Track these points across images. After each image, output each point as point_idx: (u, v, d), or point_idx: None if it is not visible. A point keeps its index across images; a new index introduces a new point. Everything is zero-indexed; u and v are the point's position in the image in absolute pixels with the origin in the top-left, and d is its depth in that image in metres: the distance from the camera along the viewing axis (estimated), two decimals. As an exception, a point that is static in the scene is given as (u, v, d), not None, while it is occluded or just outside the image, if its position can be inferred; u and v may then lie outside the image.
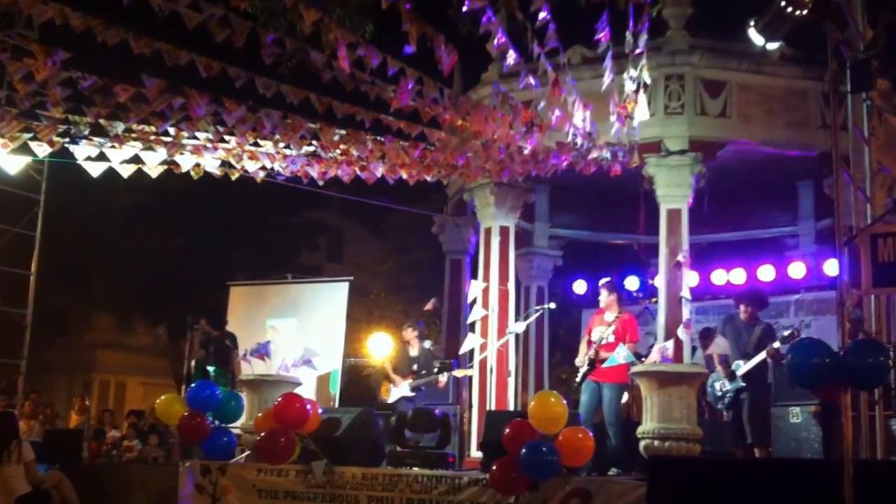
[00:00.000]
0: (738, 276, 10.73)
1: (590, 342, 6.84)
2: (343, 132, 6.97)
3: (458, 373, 8.40)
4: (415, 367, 8.20)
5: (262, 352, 9.09)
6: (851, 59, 5.89)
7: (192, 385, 7.37)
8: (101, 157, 7.10)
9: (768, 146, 8.56)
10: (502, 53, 6.09)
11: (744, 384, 6.91)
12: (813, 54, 7.57)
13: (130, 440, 9.26)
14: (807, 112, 8.47)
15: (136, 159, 7.24)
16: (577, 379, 6.84)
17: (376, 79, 5.96)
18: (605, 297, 6.94)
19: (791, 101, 8.49)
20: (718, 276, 10.91)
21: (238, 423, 7.31)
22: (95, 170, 7.22)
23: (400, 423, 7.75)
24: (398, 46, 5.45)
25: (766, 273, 10.47)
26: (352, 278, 10.47)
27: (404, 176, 7.81)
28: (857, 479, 4.28)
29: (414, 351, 8.28)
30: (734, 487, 4.72)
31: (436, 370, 8.29)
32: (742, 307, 7.11)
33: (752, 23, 6.49)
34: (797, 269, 10.23)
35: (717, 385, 7.07)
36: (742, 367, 6.92)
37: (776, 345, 6.77)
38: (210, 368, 8.70)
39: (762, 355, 6.80)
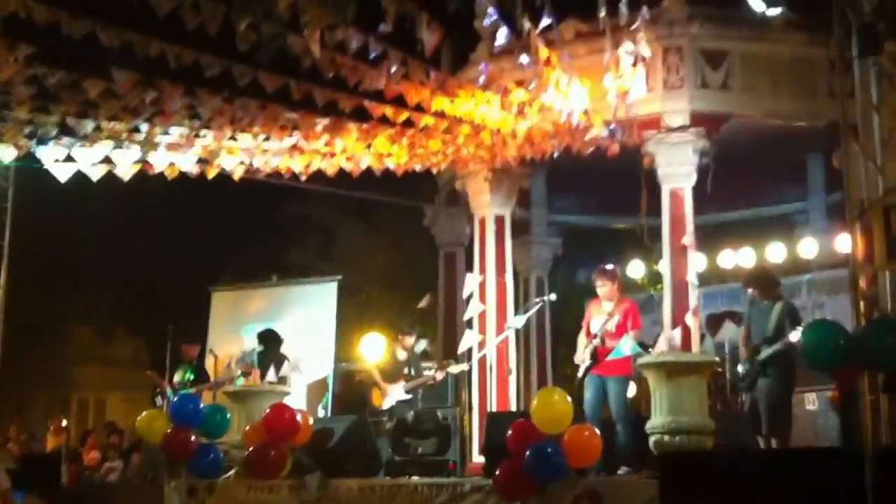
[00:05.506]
0: (747, 256, 10.73)
1: (590, 334, 6.83)
2: (326, 121, 6.95)
3: (454, 368, 8.41)
4: (405, 369, 8.22)
5: (247, 361, 9.04)
6: (858, 23, 5.88)
7: (175, 399, 7.35)
8: (70, 159, 7.07)
9: (774, 118, 8.55)
10: (492, 32, 6.07)
11: (762, 370, 6.89)
12: (818, 19, 7.55)
13: (112, 461, 9.23)
14: (814, 81, 8.45)
15: (106, 160, 7.20)
16: (580, 374, 6.84)
17: (359, 63, 5.94)
18: (602, 284, 6.93)
19: (797, 69, 8.47)
20: (726, 258, 10.90)
21: (225, 438, 7.29)
22: (64, 173, 7.18)
23: (399, 429, 7.76)
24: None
25: (777, 252, 10.47)
26: (341, 277, 10.44)
27: (392, 166, 7.79)
28: (878, 466, 4.29)
29: (402, 354, 8.29)
30: (750, 481, 4.74)
31: (426, 371, 8.30)
32: (751, 291, 7.11)
33: (752, -12, 6.48)
34: (809, 247, 10.22)
35: (740, 367, 7.08)
36: (762, 353, 6.88)
37: (793, 338, 6.69)
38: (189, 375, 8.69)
39: (779, 345, 6.73)
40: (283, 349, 9.22)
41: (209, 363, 9.29)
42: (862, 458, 4.36)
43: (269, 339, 9.04)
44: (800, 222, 10.67)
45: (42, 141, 6.88)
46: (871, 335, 4.62)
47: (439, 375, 8.15)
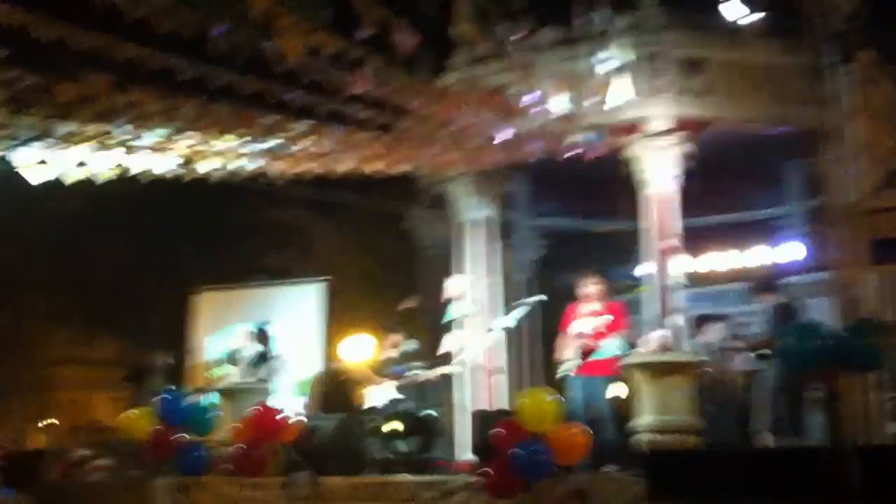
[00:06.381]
0: (729, 260, 10.84)
1: (571, 336, 6.87)
2: (305, 126, 6.94)
3: (447, 369, 8.42)
4: (395, 368, 8.23)
5: (234, 358, 9.01)
6: (833, 30, 5.95)
7: (162, 396, 7.31)
8: (43, 162, 7.00)
9: (753, 124, 8.64)
10: (471, 38, 6.11)
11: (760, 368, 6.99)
12: (794, 27, 7.63)
13: (97, 458, 9.16)
14: (791, 87, 8.51)
15: (81, 164, 7.14)
16: (561, 373, 6.88)
17: (337, 67, 5.93)
18: (594, 283, 6.98)
19: (774, 76, 8.54)
20: (708, 262, 11.00)
21: (213, 435, 7.25)
22: (37, 177, 7.11)
23: (387, 427, 7.76)
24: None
25: (759, 256, 10.57)
26: (329, 278, 10.42)
27: (373, 169, 7.79)
28: (862, 464, 4.34)
29: (391, 353, 8.30)
30: (736, 479, 4.78)
31: (416, 371, 8.31)
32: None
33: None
34: (790, 251, 10.33)
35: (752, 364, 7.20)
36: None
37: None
38: None
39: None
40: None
41: (190, 362, 9.25)
42: (846, 456, 4.41)
43: (262, 337, 9.06)
44: (781, 226, 10.77)
45: (13, 144, 6.81)
46: (852, 336, 4.67)
47: (431, 375, 8.16)
